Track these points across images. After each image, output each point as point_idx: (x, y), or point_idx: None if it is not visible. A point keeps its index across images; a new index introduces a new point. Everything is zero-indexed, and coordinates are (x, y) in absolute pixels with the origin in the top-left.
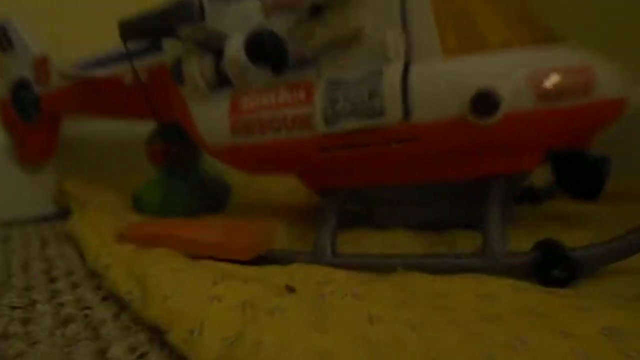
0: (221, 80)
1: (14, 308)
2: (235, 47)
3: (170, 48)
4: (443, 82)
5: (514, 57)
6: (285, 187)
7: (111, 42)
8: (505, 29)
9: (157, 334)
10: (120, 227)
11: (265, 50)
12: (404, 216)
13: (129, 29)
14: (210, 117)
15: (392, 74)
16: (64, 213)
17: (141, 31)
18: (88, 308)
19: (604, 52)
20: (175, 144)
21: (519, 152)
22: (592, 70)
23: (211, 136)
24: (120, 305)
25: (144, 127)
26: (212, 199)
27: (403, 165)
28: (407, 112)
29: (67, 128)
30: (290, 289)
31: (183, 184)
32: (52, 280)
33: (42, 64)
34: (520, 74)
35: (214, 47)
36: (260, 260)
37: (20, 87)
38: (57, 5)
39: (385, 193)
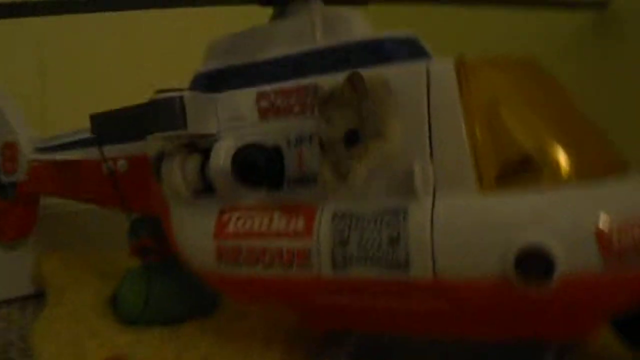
0: (208, 186)
1: None
2: (221, 158)
3: (154, 138)
4: (478, 229)
5: (573, 197)
6: None
7: None
8: (562, 157)
9: None
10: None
11: (256, 171)
12: None
13: (100, 125)
14: (193, 235)
15: (420, 216)
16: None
17: (113, 130)
18: None
19: None
20: (156, 239)
21: (575, 320)
22: None
23: (193, 258)
24: None
25: None
26: (201, 298)
27: (429, 318)
28: (435, 264)
29: (47, 202)
30: None
31: (166, 286)
32: None
33: (9, 149)
34: (583, 224)
35: (201, 146)
36: None
37: None
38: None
39: (407, 343)
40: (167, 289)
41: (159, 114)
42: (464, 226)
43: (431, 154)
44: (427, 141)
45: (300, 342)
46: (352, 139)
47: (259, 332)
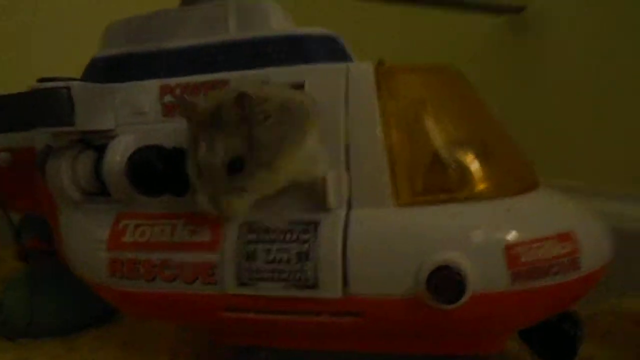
0: (103, 189)
1: None
2: (117, 156)
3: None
4: (392, 245)
5: (485, 213)
6: None
7: None
8: (479, 172)
9: None
10: None
11: (152, 178)
12: None
13: None
14: (83, 244)
15: (332, 231)
16: None
17: None
18: None
19: None
20: (46, 241)
21: (484, 335)
22: (575, 238)
23: (84, 270)
24: None
25: None
26: (99, 305)
27: (337, 335)
28: (346, 281)
29: None
30: None
31: (56, 293)
32: None
33: None
34: (494, 242)
35: (96, 142)
36: None
37: None
38: None
39: (315, 357)
40: (58, 297)
41: (41, 106)
42: (377, 242)
43: (347, 164)
44: (343, 151)
45: (209, 354)
46: (235, 168)
47: (164, 343)
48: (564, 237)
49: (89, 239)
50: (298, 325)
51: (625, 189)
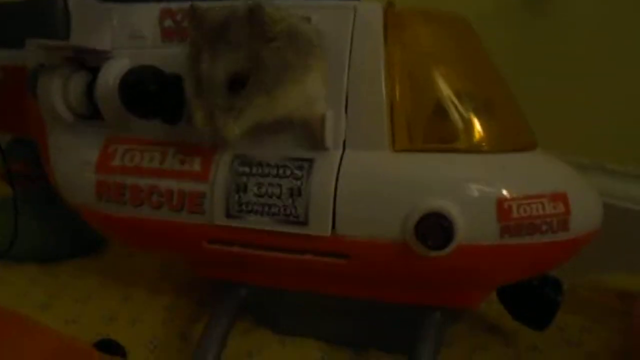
0: (95, 111)
1: None
2: (110, 77)
3: (34, 48)
4: (384, 188)
5: (481, 166)
6: None
7: None
8: (478, 126)
9: None
10: None
11: (146, 97)
12: (316, 327)
13: None
14: (72, 165)
15: (326, 169)
16: None
17: None
18: None
19: None
20: (32, 165)
21: (468, 288)
22: (567, 199)
23: (71, 192)
24: None
25: None
26: (83, 235)
27: (322, 276)
28: (335, 221)
29: None
30: None
31: (40, 219)
32: None
33: None
34: (486, 194)
35: (90, 63)
36: None
37: None
38: None
39: (297, 297)
40: (41, 223)
41: (36, 16)
42: (370, 185)
43: (346, 106)
44: (344, 91)
45: (189, 289)
46: (236, 85)
47: (146, 275)
48: (556, 197)
49: (77, 160)
50: (282, 263)
51: (619, 165)
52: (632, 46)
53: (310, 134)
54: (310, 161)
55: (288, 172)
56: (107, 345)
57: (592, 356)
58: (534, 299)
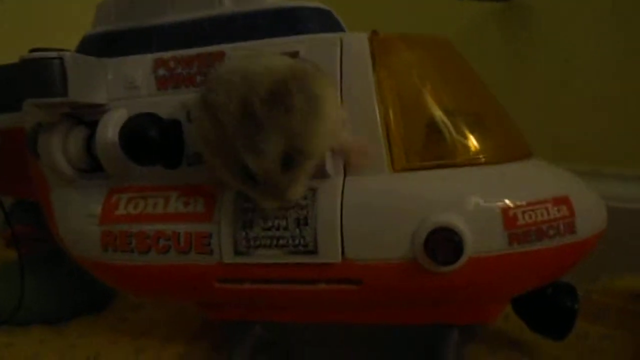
0: (95, 164)
1: None
2: (109, 129)
3: (31, 108)
4: (389, 210)
5: (481, 178)
6: None
7: None
8: (473, 138)
9: None
10: None
11: (147, 142)
12: (332, 358)
13: None
14: (76, 219)
15: (330, 197)
16: None
17: None
18: None
19: None
20: (37, 227)
21: (482, 301)
22: (570, 202)
23: (76, 246)
24: None
25: None
26: (91, 295)
27: (335, 305)
28: (343, 246)
29: None
30: None
31: (46, 281)
32: None
33: None
34: (491, 205)
35: (87, 118)
36: None
37: None
38: None
39: (310, 330)
40: (47, 285)
41: (32, 76)
42: (374, 207)
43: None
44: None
45: (203, 336)
46: (288, 163)
47: (157, 325)
48: (559, 200)
49: (81, 215)
50: (294, 296)
51: (616, 168)
52: (614, 48)
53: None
54: (314, 190)
55: (293, 203)
56: None
57: None
58: (550, 308)
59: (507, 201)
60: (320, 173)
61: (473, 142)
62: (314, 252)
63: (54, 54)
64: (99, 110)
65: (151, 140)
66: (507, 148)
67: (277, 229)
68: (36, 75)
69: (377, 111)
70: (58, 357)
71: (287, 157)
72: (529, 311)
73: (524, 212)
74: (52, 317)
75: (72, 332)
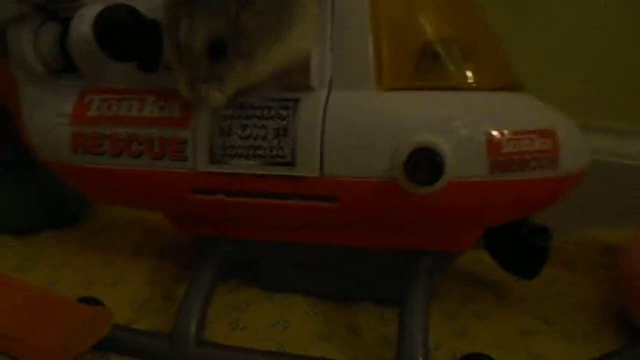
0: (69, 64)
1: None
2: (84, 23)
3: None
4: (372, 127)
5: (469, 103)
6: None
7: None
8: (465, 63)
9: None
10: None
11: (122, 38)
12: (301, 280)
13: None
14: (44, 118)
15: (312, 108)
16: None
17: None
18: None
19: None
20: (5, 133)
21: (458, 228)
22: (555, 136)
23: (45, 147)
24: None
25: None
26: (61, 207)
27: (309, 223)
28: (322, 162)
29: None
30: None
31: (13, 190)
32: None
33: None
34: (476, 130)
35: (62, 14)
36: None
37: None
38: None
39: (281, 250)
40: (14, 194)
41: None
42: (357, 122)
43: (332, 45)
44: (329, 30)
45: (172, 253)
46: (216, 52)
47: (128, 242)
48: (544, 133)
49: (51, 114)
50: (268, 211)
51: (605, 122)
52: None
53: (295, 74)
54: (296, 101)
55: (273, 113)
56: (89, 302)
57: (580, 306)
58: (523, 247)
59: (492, 128)
60: (304, 84)
61: (464, 68)
62: (291, 164)
63: None
64: (73, 5)
65: (127, 29)
66: (498, 77)
67: (255, 138)
68: None
69: (369, 26)
70: (20, 262)
71: (217, 45)
72: (502, 249)
73: (508, 140)
74: (19, 227)
75: (39, 242)
